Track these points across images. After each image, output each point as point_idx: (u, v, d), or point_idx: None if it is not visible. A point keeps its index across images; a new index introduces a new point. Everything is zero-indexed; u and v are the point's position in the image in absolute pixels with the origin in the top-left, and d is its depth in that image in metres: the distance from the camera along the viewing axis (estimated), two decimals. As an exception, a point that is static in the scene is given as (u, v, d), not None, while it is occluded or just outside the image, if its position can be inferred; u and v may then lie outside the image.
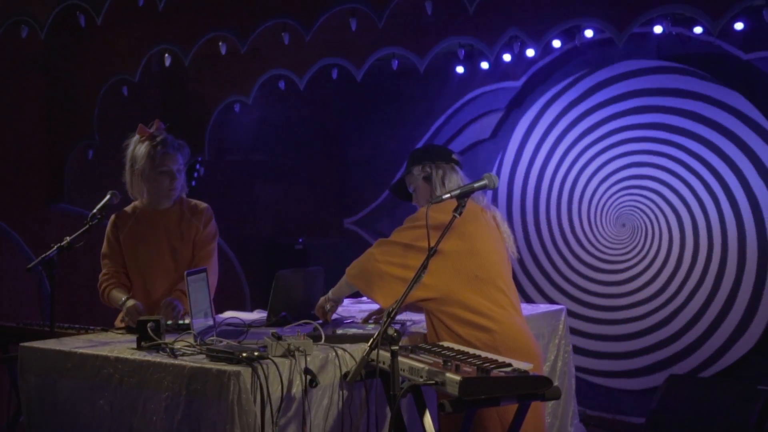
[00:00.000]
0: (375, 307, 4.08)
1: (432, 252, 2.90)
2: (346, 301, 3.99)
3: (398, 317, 3.64)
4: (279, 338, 2.92)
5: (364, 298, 4.53)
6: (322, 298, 3.65)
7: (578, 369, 5.14)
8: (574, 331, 5.63)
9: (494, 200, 6.32)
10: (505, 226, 3.51)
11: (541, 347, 3.78)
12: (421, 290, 3.22)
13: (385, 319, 2.75)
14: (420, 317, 3.67)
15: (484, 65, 6.23)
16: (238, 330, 3.45)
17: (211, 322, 3.28)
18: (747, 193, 5.38)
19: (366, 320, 3.53)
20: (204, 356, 2.90)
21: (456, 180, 3.40)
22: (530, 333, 3.41)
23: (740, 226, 5.40)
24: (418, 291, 3.20)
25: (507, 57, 6.08)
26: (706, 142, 5.51)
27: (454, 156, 3.49)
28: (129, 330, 3.55)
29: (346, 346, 3.10)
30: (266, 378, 2.75)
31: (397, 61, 5.94)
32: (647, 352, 5.76)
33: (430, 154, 3.49)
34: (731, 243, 5.43)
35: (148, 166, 3.78)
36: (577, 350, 5.61)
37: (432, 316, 3.35)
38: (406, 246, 3.30)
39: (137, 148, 3.81)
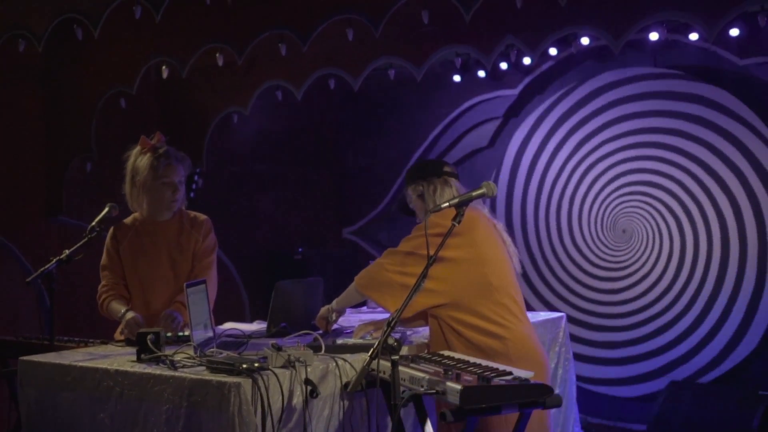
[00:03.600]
0: (375, 317, 4.07)
1: (432, 260, 2.90)
2: (346, 312, 3.98)
3: (400, 328, 3.64)
4: (279, 349, 2.91)
5: (364, 308, 4.53)
6: (324, 309, 3.65)
7: (579, 376, 5.14)
8: (574, 338, 5.63)
9: (499, 210, 6.32)
10: (508, 239, 3.53)
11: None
12: (431, 297, 3.24)
13: (385, 329, 2.75)
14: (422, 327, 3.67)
15: (481, 74, 6.24)
16: (238, 341, 3.45)
17: (210, 334, 3.27)
18: (750, 198, 5.39)
19: (358, 335, 3.52)
20: (204, 368, 2.89)
21: (449, 193, 3.41)
22: (539, 342, 3.43)
23: (741, 231, 5.41)
24: (428, 298, 3.23)
25: (504, 65, 6.10)
26: (705, 147, 5.52)
27: (446, 168, 3.50)
28: (129, 342, 3.54)
29: (347, 356, 3.10)
30: (267, 389, 2.74)
31: (394, 71, 5.95)
32: (648, 359, 5.76)
33: (422, 171, 3.52)
34: (732, 247, 5.44)
35: (150, 177, 3.78)
36: (578, 357, 5.61)
37: (441, 322, 3.36)
38: (413, 254, 3.32)
39: (139, 159, 3.81)
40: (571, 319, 5.88)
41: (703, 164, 5.53)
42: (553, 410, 3.83)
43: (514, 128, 6.29)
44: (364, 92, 5.95)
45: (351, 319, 4.15)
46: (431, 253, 2.90)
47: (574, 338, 5.67)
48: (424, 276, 2.88)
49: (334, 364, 3.03)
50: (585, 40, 5.71)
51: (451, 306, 3.31)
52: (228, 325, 4.12)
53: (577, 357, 5.39)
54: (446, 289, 3.27)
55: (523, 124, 6.24)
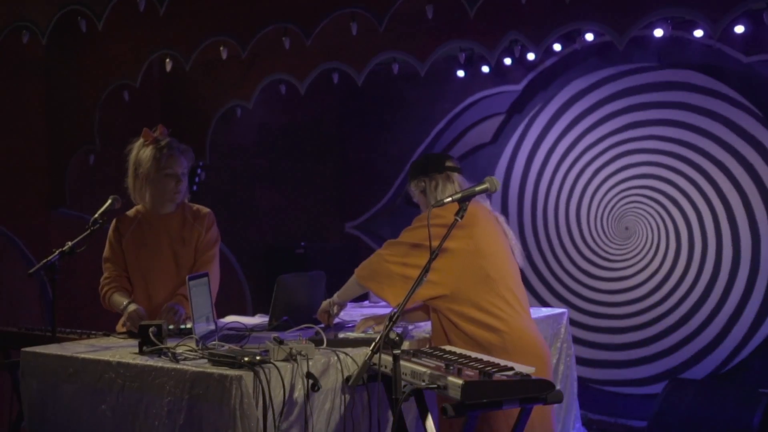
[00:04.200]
0: (377, 311, 4.08)
1: (435, 253, 2.90)
2: (348, 306, 3.99)
3: (402, 323, 3.64)
4: (281, 342, 2.91)
5: (366, 303, 4.54)
6: (325, 302, 3.65)
7: (580, 372, 5.14)
8: (576, 334, 5.63)
9: (502, 206, 6.32)
10: (510, 232, 3.52)
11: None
12: (431, 288, 3.24)
13: (387, 323, 2.75)
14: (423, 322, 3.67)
15: (485, 69, 6.23)
16: (240, 334, 3.45)
17: (212, 327, 3.28)
18: (764, 197, 5.39)
19: (359, 329, 3.53)
20: (206, 361, 2.90)
21: (451, 188, 3.41)
22: (540, 335, 3.42)
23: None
24: (427, 290, 3.23)
25: (508, 61, 6.09)
26: (707, 146, 5.51)
27: (448, 163, 3.49)
28: (131, 335, 3.55)
29: (348, 350, 3.10)
30: (268, 382, 2.74)
31: (397, 65, 5.95)
32: (650, 356, 5.77)
33: (424, 167, 3.51)
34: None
35: (153, 169, 3.78)
36: (579, 353, 5.61)
37: (440, 315, 3.36)
38: (415, 245, 3.32)
39: (142, 151, 3.81)
40: (573, 315, 5.88)
41: (703, 166, 5.52)
42: (555, 406, 3.84)
43: (517, 124, 6.29)
44: (368, 87, 5.94)
45: (353, 313, 4.16)
46: (434, 245, 2.90)
47: (576, 334, 5.67)
48: (426, 270, 2.87)
49: (336, 357, 3.03)
50: (589, 36, 5.70)
51: (450, 298, 3.31)
52: (230, 318, 4.13)
53: (578, 353, 5.39)
54: (444, 280, 3.27)
55: (526, 121, 6.23)
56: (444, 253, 3.19)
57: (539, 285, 6.22)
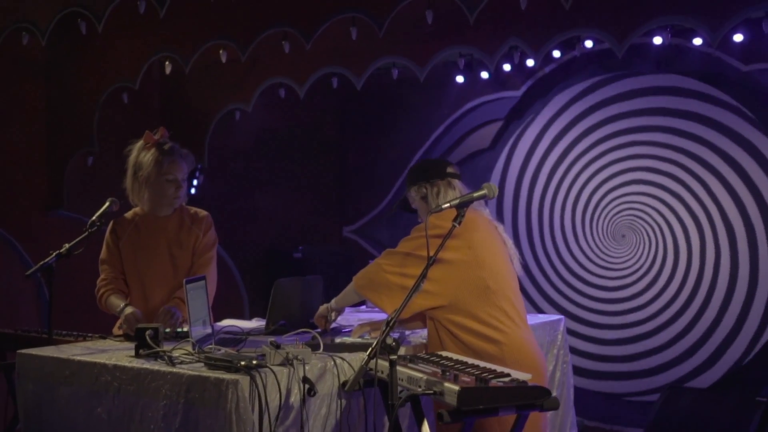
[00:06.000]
0: (373, 316, 4.07)
1: (431, 261, 2.90)
2: (345, 311, 3.99)
3: (399, 328, 3.64)
4: (277, 347, 2.91)
5: (363, 307, 4.53)
6: (323, 307, 3.64)
7: (577, 379, 5.14)
8: (573, 342, 5.63)
9: (497, 211, 6.32)
10: (509, 241, 3.51)
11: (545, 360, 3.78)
12: (429, 299, 3.23)
13: (384, 329, 2.75)
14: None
15: (484, 75, 6.24)
16: (237, 338, 3.45)
17: (209, 330, 3.27)
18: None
19: (356, 334, 3.52)
20: (202, 364, 2.89)
21: (452, 195, 3.38)
22: (537, 347, 3.40)
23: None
24: (425, 300, 3.21)
25: (507, 67, 6.10)
26: (705, 153, 5.52)
27: (449, 169, 3.48)
28: (127, 337, 3.54)
29: (345, 355, 3.10)
30: (264, 386, 2.74)
31: (397, 70, 5.96)
32: (646, 363, 5.76)
33: (425, 172, 3.48)
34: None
35: (154, 174, 3.77)
36: (577, 361, 5.61)
37: (437, 324, 3.35)
38: (411, 255, 3.31)
39: (142, 154, 3.80)
40: (570, 323, 5.89)
41: (700, 175, 5.53)
42: (550, 413, 3.83)
43: (515, 131, 6.29)
44: (367, 91, 5.94)
45: (350, 318, 4.15)
46: (431, 254, 2.90)
47: (573, 341, 5.67)
48: (423, 276, 2.87)
49: (332, 362, 3.03)
50: (588, 43, 5.71)
51: (448, 308, 3.29)
52: (227, 322, 4.12)
53: (576, 360, 5.39)
54: (442, 291, 3.26)
55: (525, 127, 6.24)
56: (443, 263, 3.18)
57: (534, 292, 6.22)
